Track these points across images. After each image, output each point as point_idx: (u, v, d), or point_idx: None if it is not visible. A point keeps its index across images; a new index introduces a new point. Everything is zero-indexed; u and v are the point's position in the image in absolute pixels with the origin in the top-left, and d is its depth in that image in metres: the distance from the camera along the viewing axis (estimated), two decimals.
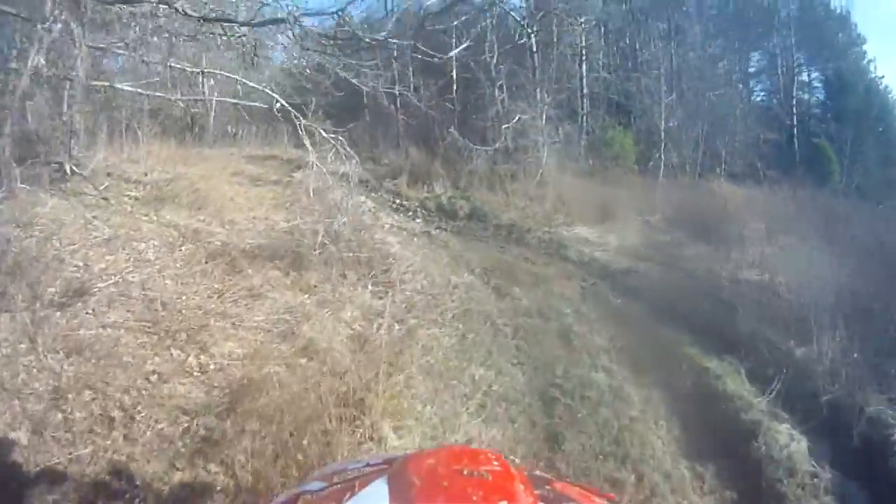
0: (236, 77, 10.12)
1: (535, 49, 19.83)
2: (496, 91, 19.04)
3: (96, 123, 12.67)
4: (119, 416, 5.64)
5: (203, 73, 9.24)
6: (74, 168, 10.27)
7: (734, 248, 13.70)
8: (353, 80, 11.61)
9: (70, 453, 5.17)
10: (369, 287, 9.94)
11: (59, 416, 5.43)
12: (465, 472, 1.39)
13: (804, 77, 26.86)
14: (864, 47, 26.91)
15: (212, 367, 6.84)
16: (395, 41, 13.73)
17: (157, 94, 10.07)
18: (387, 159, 18.70)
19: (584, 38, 20.84)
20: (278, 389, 6.56)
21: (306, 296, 9.14)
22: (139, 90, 10.00)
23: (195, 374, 6.64)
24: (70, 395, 5.62)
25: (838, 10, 27.06)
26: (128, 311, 7.16)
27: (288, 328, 7.96)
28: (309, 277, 9.60)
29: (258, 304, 8.37)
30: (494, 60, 19.42)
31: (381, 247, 11.77)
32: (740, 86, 26.02)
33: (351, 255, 10.70)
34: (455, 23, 18.88)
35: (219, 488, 5.32)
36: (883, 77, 26.94)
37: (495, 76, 19.23)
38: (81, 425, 5.43)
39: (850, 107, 24.84)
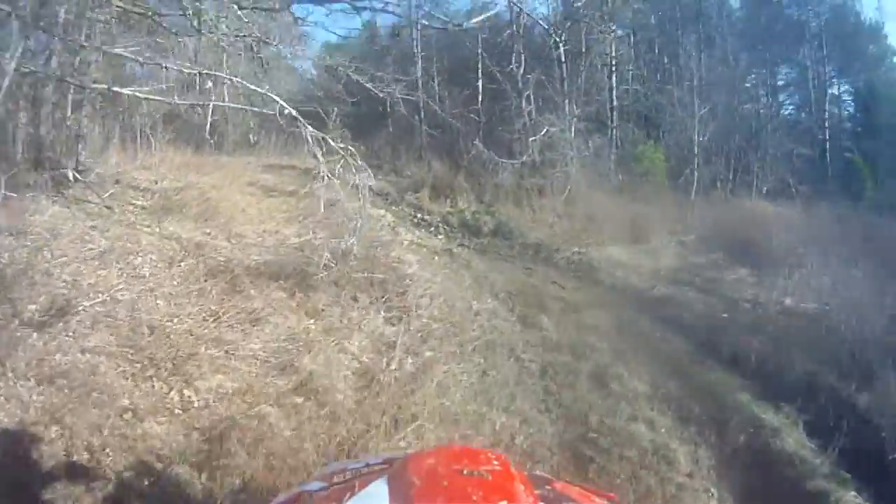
0: (237, 79, 8.96)
1: (563, 59, 18.53)
2: (523, 102, 17.82)
3: (108, 129, 12.44)
4: (84, 459, 4.98)
5: (200, 74, 8.16)
6: (77, 175, 9.77)
7: (776, 271, 12.33)
8: (368, 85, 9.96)
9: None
10: (382, 312, 8.92)
11: (20, 452, 4.84)
12: (465, 472, 1.35)
13: (834, 90, 25.22)
14: None
15: (196, 404, 6.07)
16: None
17: (154, 97, 9.02)
18: (409, 171, 17.58)
19: (613, 48, 19.44)
20: (268, 435, 5.82)
21: (312, 321, 8.26)
22: (136, 93, 8.90)
23: (176, 411, 5.89)
24: (35, 431, 5.05)
25: (869, 22, 25.38)
26: (111, 334, 6.51)
27: (287, 359, 7.14)
28: (316, 300, 8.65)
29: (257, 329, 7.58)
30: (521, 71, 18.17)
31: (398, 266, 10.68)
32: (768, 99, 24.79)
33: (364, 275, 9.72)
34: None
35: None
36: None
37: (522, 87, 18.02)
38: (41, 467, 4.82)
39: (883, 120, 23.12)
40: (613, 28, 19.37)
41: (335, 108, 18.68)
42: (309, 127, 8.45)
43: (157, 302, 7.44)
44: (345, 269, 9.48)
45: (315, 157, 8.75)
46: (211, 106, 8.66)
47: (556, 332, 9.02)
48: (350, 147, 9.02)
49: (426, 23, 19.87)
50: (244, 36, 8.81)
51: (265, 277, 8.65)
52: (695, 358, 8.97)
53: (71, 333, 6.22)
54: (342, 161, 8.66)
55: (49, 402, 5.31)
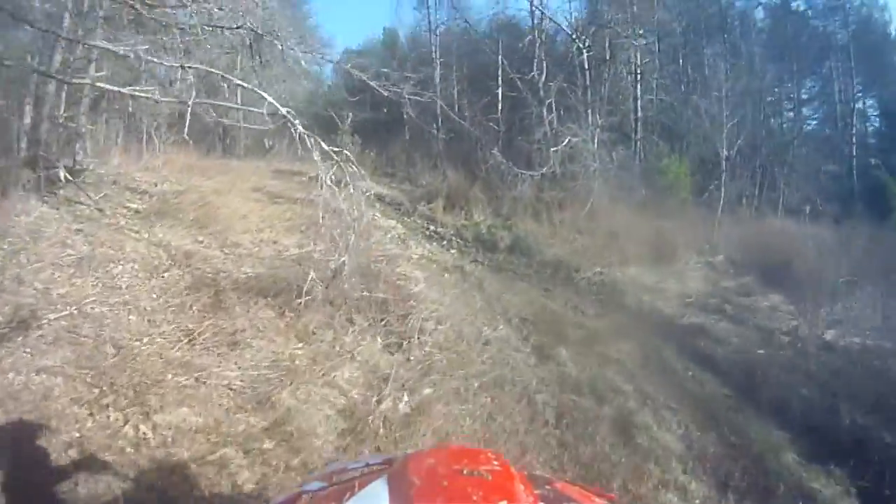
0: (221, 73, 7.96)
1: (587, 66, 17.26)
2: (544, 111, 16.60)
3: (115, 129, 12.35)
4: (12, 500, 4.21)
5: (183, 67, 7.15)
6: (68, 175, 9.26)
7: (811, 299, 11.00)
8: (373, 83, 8.99)
9: None
10: (380, 338, 7.89)
11: None
12: (465, 472, 1.33)
13: (860, 104, 23.95)
14: None
15: (151, 441, 5.20)
16: None
17: (139, 93, 8.05)
18: (424, 181, 16.52)
19: (639, 57, 18.11)
20: (223, 488, 4.99)
21: (300, 345, 7.37)
22: (122, 90, 8.00)
23: (127, 450, 5.02)
24: None
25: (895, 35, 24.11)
26: (73, 352, 5.84)
27: (265, 391, 6.24)
28: (308, 320, 7.71)
29: (236, 353, 6.73)
30: (543, 78, 16.95)
31: (403, 284, 9.57)
32: (794, 113, 23.58)
33: (363, 293, 8.67)
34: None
35: None
36: None
37: (543, 95, 16.79)
38: None
39: None
40: (641, 32, 18.01)
41: (350, 114, 17.91)
42: (300, 127, 7.39)
43: (130, 317, 6.73)
44: (342, 286, 8.43)
45: (307, 159, 7.82)
46: (180, 102, 7.56)
47: (575, 367, 7.80)
48: (346, 151, 7.92)
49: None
50: (238, 28, 7.70)
51: (254, 293, 7.77)
52: (732, 404, 7.76)
53: (29, 350, 5.62)
54: (335, 167, 7.54)
55: None
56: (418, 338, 8.03)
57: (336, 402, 6.42)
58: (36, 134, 9.35)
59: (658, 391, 7.54)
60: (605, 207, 14.60)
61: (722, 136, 17.35)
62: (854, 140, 22.42)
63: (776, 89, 22.78)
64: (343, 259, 7.82)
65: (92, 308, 6.55)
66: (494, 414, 6.62)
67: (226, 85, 8.64)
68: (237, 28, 7.63)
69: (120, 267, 7.55)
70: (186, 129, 8.02)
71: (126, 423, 5.19)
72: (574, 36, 17.80)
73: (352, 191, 7.80)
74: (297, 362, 6.88)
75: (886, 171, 20.83)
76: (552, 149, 15.53)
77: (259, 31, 8.17)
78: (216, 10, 7.76)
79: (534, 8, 17.74)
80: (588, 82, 17.33)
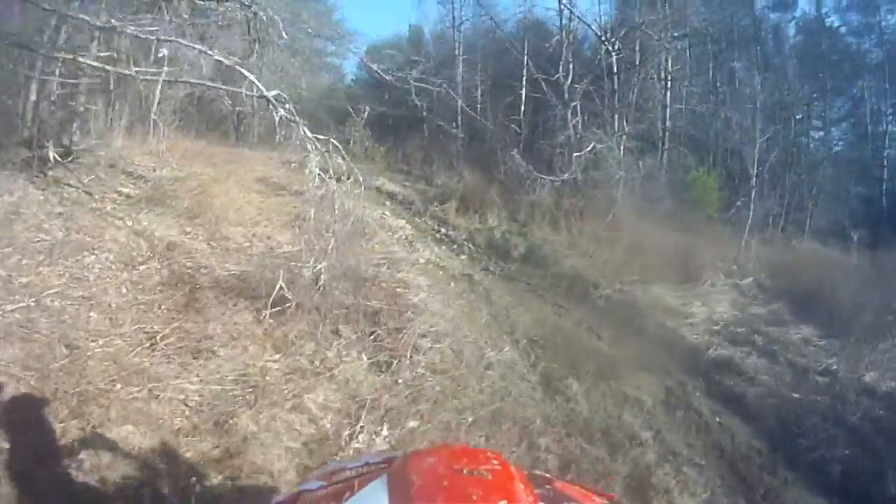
0: (203, 50, 6.96)
1: (615, 70, 15.94)
2: (569, 114, 15.31)
3: (120, 110, 11.25)
4: None
5: (158, 40, 6.14)
6: (57, 156, 8.65)
7: (846, 333, 9.87)
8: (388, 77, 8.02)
9: None
10: (367, 354, 6.92)
11: None
12: (465, 472, 1.28)
13: (893, 127, 22.04)
14: None
15: (84, 464, 4.52)
16: None
17: (121, 70, 7.11)
18: (439, 180, 15.21)
19: (669, 62, 16.74)
20: None
21: (276, 357, 6.47)
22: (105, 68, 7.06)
23: (57, 469, 4.43)
24: None
25: None
26: (22, 349, 5.24)
27: (224, 412, 5.39)
28: (289, 328, 6.83)
29: (200, 363, 5.92)
30: (569, 81, 15.67)
31: (402, 292, 8.49)
32: (825, 132, 21.92)
33: (355, 300, 7.72)
34: None
35: None
36: None
37: (568, 98, 15.49)
38: None
39: None
40: (675, 35, 16.64)
41: (366, 108, 17.03)
42: (282, 111, 6.29)
43: (91, 314, 6.05)
44: (331, 291, 7.53)
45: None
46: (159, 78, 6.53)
47: (587, 405, 6.65)
48: (333, 141, 6.95)
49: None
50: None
51: (234, 293, 6.99)
52: (765, 462, 6.59)
53: None
54: (321, 157, 6.44)
55: None
56: (411, 357, 7.00)
57: (303, 431, 5.51)
58: (36, 113, 8.90)
59: (681, 442, 6.37)
60: (627, 218, 13.33)
61: (753, 152, 15.93)
62: (885, 163, 20.85)
63: (806, 107, 21.34)
64: (321, 265, 6.68)
65: (52, 301, 5.95)
66: None
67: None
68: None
69: (93, 256, 6.90)
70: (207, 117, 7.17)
71: (62, 436, 4.54)
72: (603, 37, 16.53)
73: (334, 186, 6.65)
74: (267, 378, 5.99)
75: None
76: (575, 154, 14.33)
77: (253, 9, 7.10)
78: None
79: (562, 7, 16.41)
80: (615, 87, 16.05)
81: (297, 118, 6.63)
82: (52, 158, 8.43)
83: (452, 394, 6.39)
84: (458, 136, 17.44)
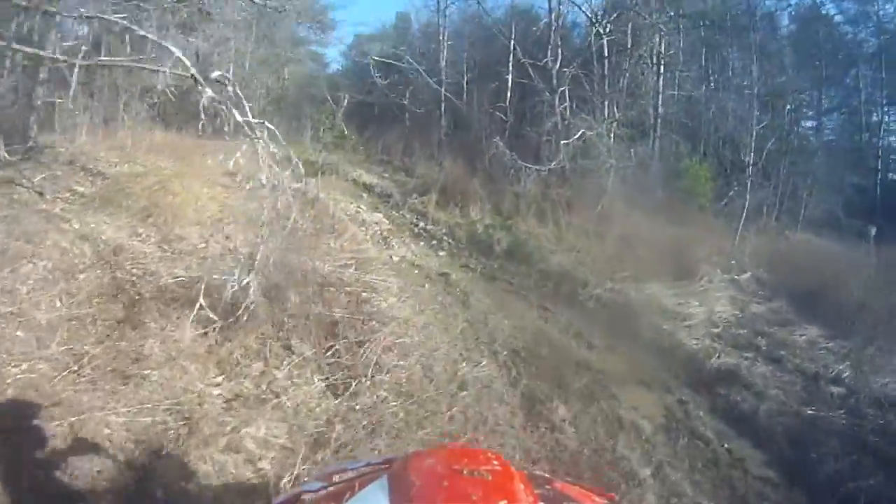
0: (128, 25, 5.81)
1: (606, 54, 14.73)
2: (556, 100, 14.07)
3: (87, 104, 10.63)
4: None
5: (80, 17, 5.07)
6: (6, 153, 8.11)
7: (855, 333, 8.88)
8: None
9: None
10: (322, 374, 5.82)
11: None
12: (465, 472, 1.21)
13: (887, 117, 21.11)
14: None
15: None
16: None
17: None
18: (421, 171, 13.99)
19: (663, 46, 15.51)
20: None
21: (218, 379, 5.46)
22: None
23: None
24: None
25: None
26: None
27: (148, 452, 4.48)
28: (235, 345, 5.80)
29: (131, 389, 4.95)
30: (557, 65, 14.43)
31: (369, 297, 7.39)
32: (818, 121, 21.16)
33: (313, 309, 6.69)
34: None
35: None
36: None
37: (557, 83, 14.26)
38: None
39: None
40: (670, 14, 15.41)
41: (346, 96, 15.94)
42: (209, 91, 5.14)
43: (17, 333, 5.22)
44: (293, 299, 6.57)
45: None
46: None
47: (575, 434, 5.54)
48: (269, 125, 6.03)
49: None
50: None
51: (179, 303, 5.97)
52: (784, 499, 5.29)
53: None
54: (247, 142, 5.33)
55: None
56: (372, 376, 5.89)
57: (238, 474, 4.50)
58: None
59: (686, 479, 5.28)
60: (618, 210, 12.19)
61: (750, 140, 14.82)
62: (880, 153, 20.04)
63: (801, 95, 20.35)
64: (247, 278, 5.53)
65: None
66: None
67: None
68: None
69: (31, 265, 6.02)
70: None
71: None
72: (594, 19, 15.26)
73: (263, 180, 5.53)
74: (205, 406, 5.03)
75: None
76: (563, 141, 13.14)
77: None
78: None
79: None
80: (606, 71, 14.86)
81: (230, 101, 5.48)
82: (2, 157, 7.84)
83: (418, 422, 5.32)
84: (440, 124, 16.27)
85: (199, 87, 5.42)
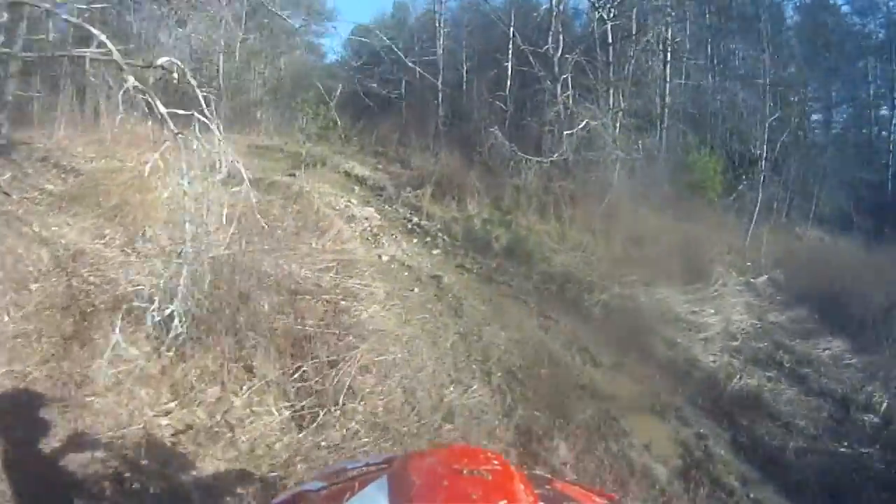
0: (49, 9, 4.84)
1: (610, 40, 13.59)
2: (558, 88, 12.97)
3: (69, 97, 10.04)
4: None
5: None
6: None
7: (881, 345, 7.96)
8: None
9: None
10: (285, 403, 4.98)
11: None
12: (465, 472, 1.17)
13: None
14: None
15: None
16: None
17: None
18: (416, 162, 12.95)
19: (670, 32, 14.36)
20: None
21: (170, 405, 4.71)
22: None
23: None
24: None
25: None
26: None
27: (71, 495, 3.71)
28: (191, 366, 5.01)
29: (69, 419, 4.24)
30: (559, 52, 13.32)
31: (348, 305, 6.45)
32: (821, 115, 19.91)
33: (284, 322, 5.83)
34: None
35: None
36: None
37: (559, 71, 13.16)
38: None
39: None
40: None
41: (340, 85, 15.12)
42: (132, 79, 4.15)
43: None
44: (263, 308, 5.76)
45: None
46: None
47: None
48: (199, 115, 4.96)
49: None
50: None
51: (134, 317, 5.11)
52: None
53: None
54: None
55: None
56: (344, 404, 4.98)
57: None
58: None
59: None
60: (624, 205, 11.17)
61: (763, 133, 13.77)
62: (891, 147, 18.76)
63: (810, 87, 19.26)
64: (181, 281, 4.59)
65: None
66: None
67: None
68: None
69: None
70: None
71: None
72: (596, 4, 14.09)
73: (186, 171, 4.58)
74: (150, 440, 4.34)
75: None
76: (566, 132, 12.03)
77: None
78: None
79: None
80: (610, 58, 13.71)
81: (141, 87, 4.48)
82: None
83: None
84: (438, 114, 15.22)
85: (123, 74, 4.40)
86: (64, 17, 4.88)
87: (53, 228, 6.43)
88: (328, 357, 5.37)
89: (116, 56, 4.42)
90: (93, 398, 4.47)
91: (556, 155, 12.31)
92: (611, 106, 12.95)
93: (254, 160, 12.04)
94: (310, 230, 8.31)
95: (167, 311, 4.41)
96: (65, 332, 4.99)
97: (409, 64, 17.05)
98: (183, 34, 15.69)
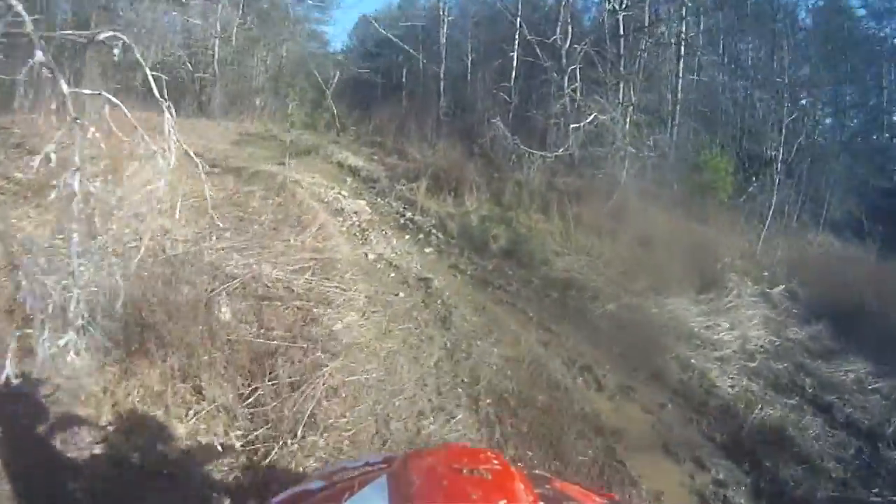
0: None
1: (621, 31, 12.61)
2: (566, 80, 12.00)
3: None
4: None
5: None
6: None
7: None
8: None
9: None
10: (233, 433, 4.28)
11: None
12: (465, 472, 1.17)
13: None
14: None
15: None
16: None
17: None
18: (415, 154, 12.05)
19: (684, 25, 13.37)
20: None
21: (108, 429, 4.06)
22: None
23: None
24: None
25: None
26: None
27: None
28: (135, 384, 4.28)
29: None
30: (567, 43, 12.33)
31: (322, 313, 5.67)
32: (842, 118, 18.52)
33: (246, 332, 5.15)
34: None
35: None
36: None
37: (566, 62, 12.18)
38: None
39: None
40: None
41: (337, 73, 14.42)
42: (39, 53, 3.26)
43: None
44: (222, 316, 5.13)
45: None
46: None
47: None
48: (109, 95, 4.38)
49: None
50: None
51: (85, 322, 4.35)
52: None
53: None
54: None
55: None
56: (303, 436, 4.06)
57: None
58: None
59: None
60: (632, 204, 10.22)
61: (779, 134, 12.82)
62: None
63: (824, 90, 18.40)
64: (75, 292, 3.86)
65: None
66: None
67: None
68: None
69: None
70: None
71: None
72: None
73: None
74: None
75: None
76: (572, 125, 11.07)
77: None
78: None
79: None
80: (621, 51, 12.69)
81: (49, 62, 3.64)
82: None
83: None
84: (439, 104, 14.30)
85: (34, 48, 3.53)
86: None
87: (13, 221, 5.79)
88: (290, 378, 4.53)
89: (31, 28, 3.54)
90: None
91: (561, 149, 11.39)
92: (620, 100, 11.98)
93: (245, 148, 11.21)
94: (290, 225, 7.45)
95: (62, 342, 3.56)
96: (4, 341, 4.16)
97: (412, 53, 16.31)
98: (178, 18, 14.93)
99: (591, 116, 11.01)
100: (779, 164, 12.88)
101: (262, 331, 5.05)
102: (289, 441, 4.01)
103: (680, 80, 13.47)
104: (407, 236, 8.83)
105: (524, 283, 7.75)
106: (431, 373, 5.07)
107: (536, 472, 1.81)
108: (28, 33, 3.64)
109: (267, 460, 3.91)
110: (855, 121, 20.06)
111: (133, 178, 6.74)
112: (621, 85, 12.22)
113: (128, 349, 4.43)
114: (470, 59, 15.86)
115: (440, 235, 9.06)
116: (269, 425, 4.14)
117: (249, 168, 9.28)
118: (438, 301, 6.54)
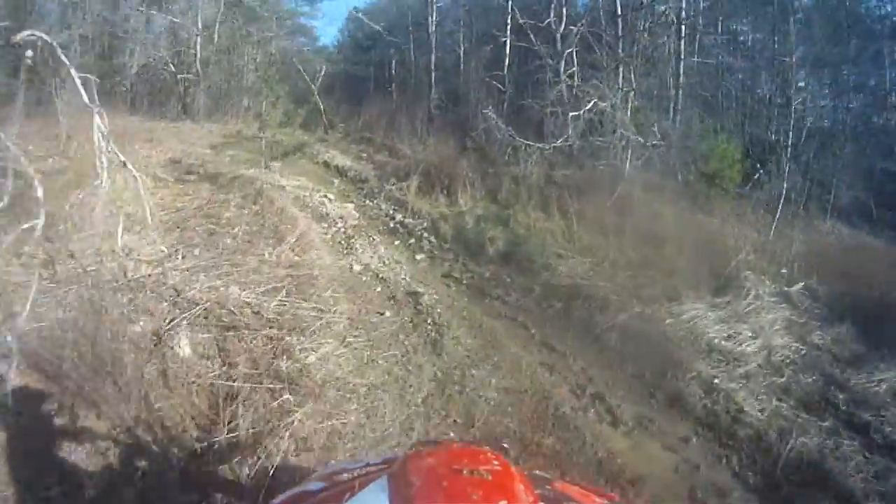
0: None
1: (619, 10, 11.73)
2: (562, 66, 11.17)
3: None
4: None
5: None
6: None
7: None
8: None
9: None
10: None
11: None
12: (465, 472, 1.17)
13: None
14: None
15: None
16: None
17: None
18: (405, 151, 11.27)
19: (684, 2, 12.50)
20: None
21: None
22: None
23: None
24: None
25: None
26: None
27: None
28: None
29: None
30: (562, 25, 11.49)
31: (293, 343, 4.88)
32: (848, 100, 17.47)
33: (207, 368, 4.52)
34: None
35: None
36: None
37: (562, 46, 11.36)
38: None
39: None
40: None
41: (323, 67, 13.80)
42: None
43: None
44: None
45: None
46: None
47: None
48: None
49: None
50: None
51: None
52: None
53: None
54: None
55: None
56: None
57: None
58: None
59: None
60: (637, 197, 9.39)
61: (789, 119, 12.02)
62: None
63: (827, 70, 17.54)
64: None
65: None
66: None
67: None
68: None
69: None
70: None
71: None
72: None
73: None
74: None
75: None
76: (571, 114, 10.25)
77: None
78: None
79: None
80: (620, 32, 11.79)
81: None
82: None
83: None
84: (430, 97, 13.49)
85: None
86: None
87: None
88: (252, 428, 3.79)
89: None
90: None
91: (559, 140, 10.57)
92: (620, 85, 11.14)
93: (226, 152, 10.46)
94: (265, 237, 6.71)
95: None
96: None
97: (402, 44, 15.56)
98: (161, 18, 14.21)
99: (591, 104, 10.18)
100: (789, 150, 12.05)
101: (225, 368, 4.35)
102: None
103: (682, 62, 12.61)
104: (396, 242, 8.09)
105: (524, 293, 6.99)
106: (419, 413, 4.34)
107: (537, 472, 1.77)
108: None
109: None
110: (854, 102, 19.43)
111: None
112: (620, 69, 11.36)
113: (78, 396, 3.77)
114: (462, 48, 15.10)
115: (432, 240, 8.31)
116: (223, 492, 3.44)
117: (228, 173, 8.55)
118: (429, 320, 5.80)
